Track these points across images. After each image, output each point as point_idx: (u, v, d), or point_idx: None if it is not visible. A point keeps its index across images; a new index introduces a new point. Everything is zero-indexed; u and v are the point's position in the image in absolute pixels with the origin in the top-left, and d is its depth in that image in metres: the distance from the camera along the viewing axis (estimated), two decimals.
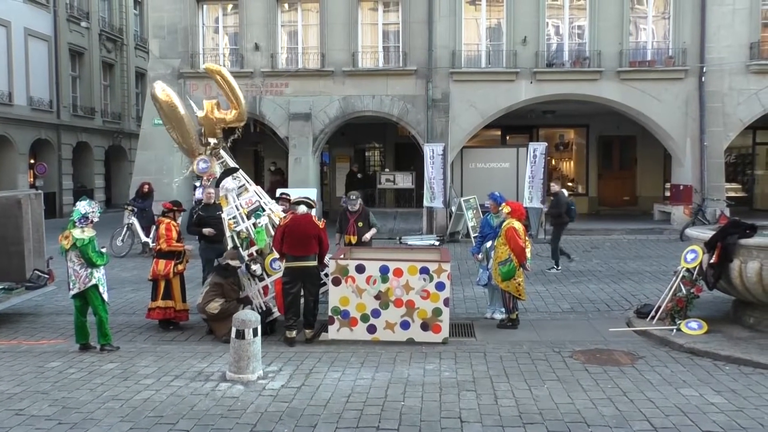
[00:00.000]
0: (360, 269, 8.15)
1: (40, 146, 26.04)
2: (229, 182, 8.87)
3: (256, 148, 24.61)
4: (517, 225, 8.69)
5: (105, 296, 7.95)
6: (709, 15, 18.25)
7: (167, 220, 9.13)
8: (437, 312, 8.06)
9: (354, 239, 9.95)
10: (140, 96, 31.12)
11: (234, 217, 8.86)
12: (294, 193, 17.30)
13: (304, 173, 18.99)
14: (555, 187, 13.50)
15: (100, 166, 29.51)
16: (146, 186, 16.57)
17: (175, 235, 9.02)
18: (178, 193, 19.34)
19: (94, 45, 28.79)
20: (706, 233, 8.58)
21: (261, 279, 8.82)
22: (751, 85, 18.35)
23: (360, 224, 10.13)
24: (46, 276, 10.42)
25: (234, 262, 8.57)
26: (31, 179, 25.34)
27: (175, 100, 8.60)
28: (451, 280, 8.50)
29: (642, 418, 5.67)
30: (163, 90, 8.60)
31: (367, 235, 10.13)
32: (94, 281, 7.81)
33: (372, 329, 8.17)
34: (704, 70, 18.26)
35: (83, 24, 27.78)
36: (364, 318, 8.16)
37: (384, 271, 8.09)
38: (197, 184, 20.27)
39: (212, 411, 5.95)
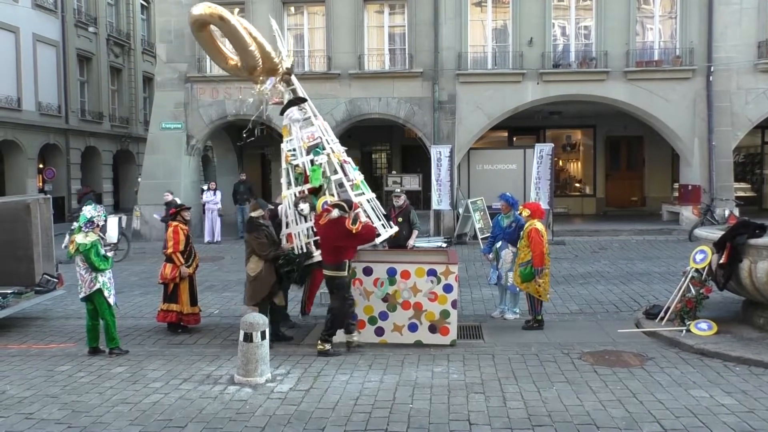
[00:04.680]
0: (367, 271, 8.15)
1: (49, 151, 26.18)
2: (294, 112, 8.57)
3: (263, 152, 24.66)
4: (539, 226, 8.66)
5: (111, 300, 7.97)
6: (716, 14, 18.18)
7: (175, 223, 9.09)
8: (445, 314, 8.05)
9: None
10: (148, 100, 31.23)
11: (293, 150, 8.56)
12: None
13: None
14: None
15: (109, 170, 29.64)
16: (85, 189, 16.57)
17: (182, 238, 8.94)
18: (185, 194, 19.50)
19: (102, 50, 28.94)
20: (715, 233, 8.54)
21: (307, 219, 8.40)
22: (759, 84, 18.27)
23: (400, 220, 10.09)
24: (56, 280, 10.47)
25: (256, 213, 8.31)
26: (40, 184, 25.46)
27: (222, 11, 7.87)
28: (459, 282, 8.48)
29: (652, 420, 5.64)
30: (205, 6, 7.82)
31: (411, 242, 10.11)
32: (98, 285, 7.84)
33: (380, 331, 8.16)
34: (712, 70, 18.19)
35: (91, 29, 27.93)
36: (372, 320, 8.16)
37: (391, 273, 8.08)
38: (204, 187, 20.42)
39: (221, 414, 5.96)
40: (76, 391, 6.65)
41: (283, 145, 8.67)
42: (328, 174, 8.37)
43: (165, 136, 19.58)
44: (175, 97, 19.60)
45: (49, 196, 11.63)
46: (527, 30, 18.63)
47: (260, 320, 6.91)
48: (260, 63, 8.21)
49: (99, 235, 7.99)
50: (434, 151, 17.81)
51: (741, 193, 20.91)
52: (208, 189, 19.51)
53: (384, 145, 24.94)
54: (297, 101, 8.64)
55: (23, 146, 24.33)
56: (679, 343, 7.81)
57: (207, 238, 18.59)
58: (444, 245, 15.51)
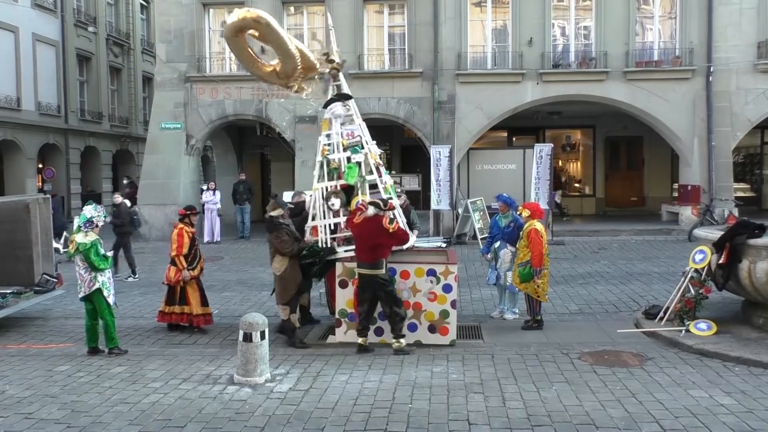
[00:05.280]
0: None
1: (48, 151, 26.18)
2: (338, 108, 8.60)
3: (263, 152, 24.65)
4: (539, 226, 8.66)
5: (110, 300, 7.98)
6: (715, 14, 18.18)
7: (181, 225, 9.06)
8: (444, 314, 8.05)
9: None
10: (147, 100, 31.24)
11: (330, 144, 8.58)
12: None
13: (311, 176, 18.88)
14: (118, 198, 13.94)
15: (108, 170, 29.65)
16: (52, 192, 16.57)
17: (187, 241, 8.91)
18: (185, 195, 19.50)
19: (102, 50, 28.94)
20: (715, 234, 8.54)
21: (336, 215, 8.41)
22: (759, 84, 18.27)
23: None
24: (55, 280, 10.47)
25: (275, 212, 8.27)
26: (40, 184, 25.47)
27: (264, 15, 7.98)
28: (458, 282, 8.48)
29: (651, 420, 5.64)
30: (245, 10, 7.90)
31: (410, 242, 10.15)
32: (97, 285, 7.85)
33: (379, 332, 8.16)
34: (711, 70, 18.19)
35: (90, 29, 27.93)
36: (372, 320, 8.15)
37: (391, 273, 8.07)
38: (204, 187, 20.42)
39: (220, 414, 5.96)
40: (75, 391, 6.64)
41: (320, 138, 8.72)
42: (363, 174, 8.42)
43: (164, 136, 19.57)
44: (174, 97, 19.59)
45: (48, 196, 11.63)
46: (527, 30, 18.63)
47: (260, 320, 6.91)
48: (300, 65, 8.25)
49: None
50: (434, 151, 17.81)
51: (740, 194, 20.92)
52: (208, 189, 19.50)
53: (383, 145, 24.82)
54: (342, 97, 8.69)
55: (23, 146, 24.33)
56: (678, 343, 7.81)
57: (206, 238, 18.59)
58: (443, 245, 15.46)
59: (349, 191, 8.42)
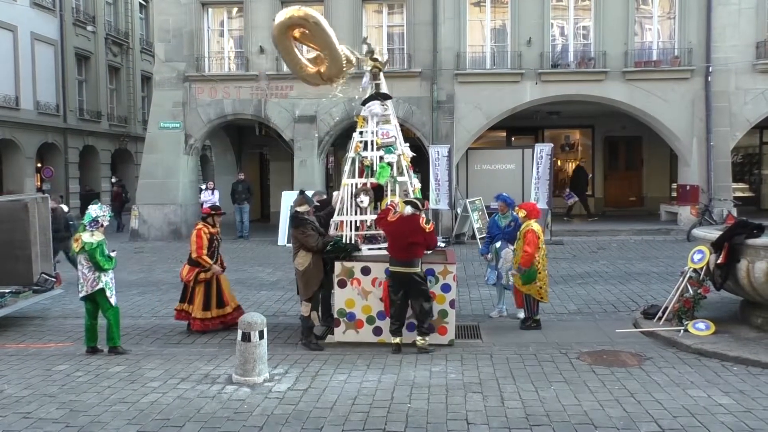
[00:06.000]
0: (366, 271, 8.14)
1: (47, 150, 26.17)
2: (376, 106, 8.62)
3: (262, 151, 24.65)
4: (536, 227, 8.66)
5: (113, 300, 7.97)
6: (714, 14, 18.20)
7: (200, 226, 9.01)
8: (443, 314, 8.04)
9: None
10: (146, 99, 31.23)
11: (364, 142, 8.60)
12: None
13: (309, 176, 19.00)
14: (53, 204, 13.69)
15: (107, 169, 29.63)
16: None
17: (206, 242, 8.85)
18: (183, 194, 19.49)
19: (100, 49, 28.92)
20: (713, 233, 8.55)
21: (364, 212, 8.40)
22: (757, 84, 18.30)
23: None
24: (53, 279, 10.47)
25: (302, 208, 8.21)
26: (38, 183, 25.45)
27: (316, 15, 7.99)
28: (457, 282, 8.47)
29: (650, 420, 5.65)
30: (294, 8, 7.90)
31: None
32: (101, 285, 7.84)
33: (378, 331, 8.16)
34: (710, 70, 18.21)
35: (89, 28, 27.91)
36: (370, 320, 8.15)
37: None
38: (203, 187, 20.41)
39: (218, 414, 5.96)
40: (74, 391, 6.64)
41: (355, 135, 8.75)
42: (395, 175, 8.44)
43: (163, 136, 19.56)
44: (173, 97, 19.58)
45: (47, 195, 11.61)
46: (526, 30, 18.64)
47: (258, 320, 6.90)
48: (345, 67, 8.34)
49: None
50: (432, 151, 17.80)
51: (739, 194, 20.95)
52: (206, 188, 19.51)
53: None
54: (381, 96, 8.72)
55: (21, 145, 24.31)
56: (676, 343, 7.81)
57: None
58: (442, 245, 15.47)
59: (378, 191, 8.46)
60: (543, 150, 17.28)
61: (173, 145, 19.50)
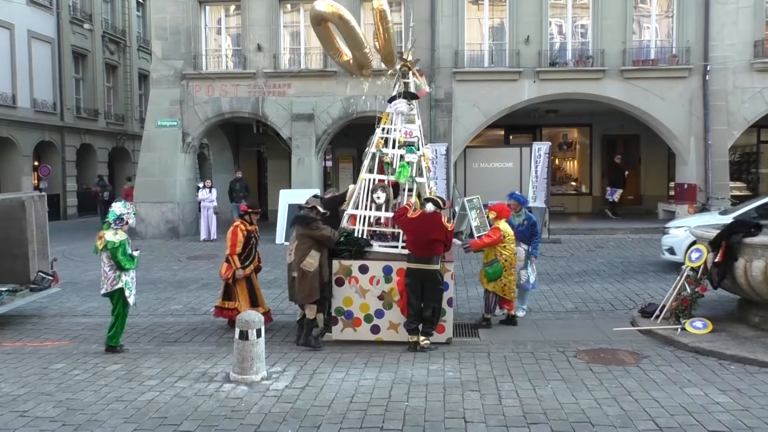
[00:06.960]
0: (363, 269, 8.13)
1: (44, 148, 26.12)
2: (402, 105, 8.65)
3: (259, 149, 24.63)
4: (503, 226, 8.72)
5: (131, 300, 8.00)
6: (712, 13, 18.20)
7: (238, 223, 8.93)
8: (441, 312, 8.03)
9: None
10: (143, 97, 31.20)
11: (386, 139, 8.61)
12: (296, 194, 17.33)
13: (307, 174, 18.99)
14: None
15: (104, 167, 29.59)
16: None
17: (241, 239, 8.74)
18: (181, 193, 19.46)
19: (97, 47, 28.87)
20: (711, 232, 8.56)
21: (379, 209, 8.41)
22: (755, 83, 18.30)
23: None
24: (51, 278, 10.44)
25: (309, 206, 8.19)
26: (35, 181, 25.41)
27: (342, 11, 8.31)
28: (455, 280, 8.48)
29: (647, 418, 5.65)
30: (327, 4, 8.29)
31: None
32: (120, 284, 7.86)
33: (375, 329, 8.15)
34: (708, 69, 18.20)
35: (86, 26, 27.85)
36: (368, 318, 8.15)
37: (387, 271, 8.07)
38: (200, 185, 20.38)
39: (216, 412, 5.95)
40: (70, 389, 6.63)
41: (378, 131, 8.76)
42: (414, 175, 8.45)
43: (160, 134, 19.52)
44: (170, 95, 19.53)
45: (44, 193, 11.59)
46: (524, 28, 18.63)
47: (255, 318, 6.90)
48: (372, 63, 8.71)
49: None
50: (430, 149, 17.78)
51: (737, 192, 20.92)
52: (204, 187, 19.47)
53: None
54: (408, 96, 8.75)
55: (18, 143, 24.27)
56: (674, 341, 7.83)
57: (203, 236, 18.59)
58: None
59: (394, 189, 8.49)
60: (541, 148, 17.28)
61: (170, 143, 19.47)
